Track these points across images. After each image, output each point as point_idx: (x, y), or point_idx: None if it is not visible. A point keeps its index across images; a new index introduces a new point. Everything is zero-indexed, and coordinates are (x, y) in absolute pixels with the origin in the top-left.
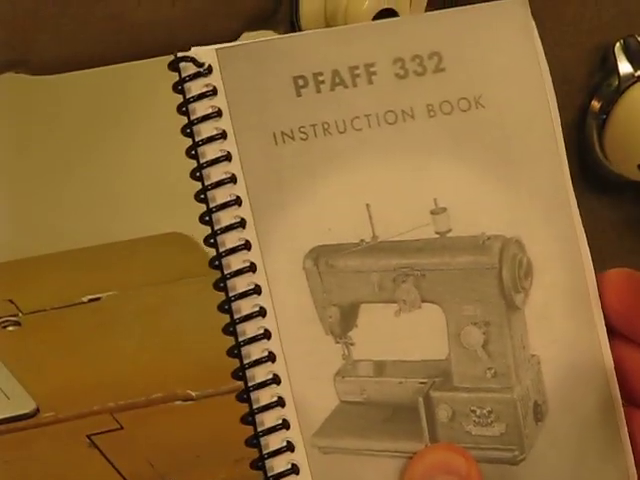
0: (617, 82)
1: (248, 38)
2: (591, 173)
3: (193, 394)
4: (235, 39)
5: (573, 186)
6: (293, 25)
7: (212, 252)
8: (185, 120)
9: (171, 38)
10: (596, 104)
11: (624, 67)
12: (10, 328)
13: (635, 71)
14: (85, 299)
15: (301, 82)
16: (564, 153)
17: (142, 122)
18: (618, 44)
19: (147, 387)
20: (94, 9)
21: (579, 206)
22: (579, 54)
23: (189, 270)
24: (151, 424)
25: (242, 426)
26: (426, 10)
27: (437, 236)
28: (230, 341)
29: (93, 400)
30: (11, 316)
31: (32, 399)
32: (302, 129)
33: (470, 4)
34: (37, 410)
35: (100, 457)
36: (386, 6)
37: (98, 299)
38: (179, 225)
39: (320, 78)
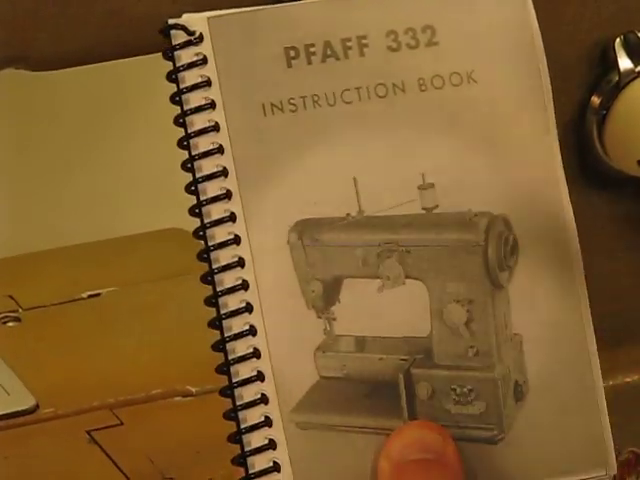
0: (617, 78)
1: None
2: (591, 169)
3: (193, 390)
4: None
5: (573, 182)
6: None
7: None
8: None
9: None
10: (596, 100)
11: (624, 63)
12: (10, 324)
13: (635, 67)
14: (85, 295)
15: (292, 53)
16: (555, 131)
17: (141, 118)
18: (618, 40)
19: (147, 383)
20: (94, 5)
21: (578, 202)
22: (579, 50)
23: (189, 266)
24: (151, 420)
25: None
26: None
27: (424, 212)
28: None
29: (93, 396)
30: (11, 312)
31: (32, 395)
32: (291, 100)
33: None
34: (37, 406)
35: (100, 453)
36: None
37: (98, 295)
38: (179, 221)
39: (311, 49)
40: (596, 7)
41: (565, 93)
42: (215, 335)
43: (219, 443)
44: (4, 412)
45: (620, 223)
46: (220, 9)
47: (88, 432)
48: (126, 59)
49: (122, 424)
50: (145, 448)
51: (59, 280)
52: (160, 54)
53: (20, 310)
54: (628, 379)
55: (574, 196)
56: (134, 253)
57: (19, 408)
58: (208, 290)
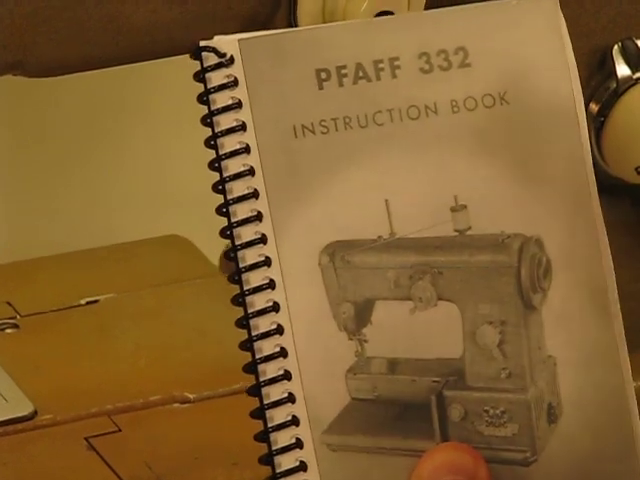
0: (615, 85)
1: None
2: None
3: (191, 396)
4: None
5: None
6: (291, 27)
7: (215, 254)
8: (202, 112)
9: (169, 41)
10: (594, 107)
11: (622, 70)
12: (8, 330)
13: (633, 74)
14: (83, 302)
15: (324, 75)
16: (589, 152)
17: (140, 124)
18: (616, 47)
19: (145, 389)
20: (91, 12)
21: None
22: (577, 57)
23: (187, 273)
24: (149, 426)
25: (240, 428)
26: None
27: (456, 234)
28: (235, 340)
29: (91, 402)
30: (9, 318)
31: (30, 401)
32: (323, 123)
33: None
34: (35, 412)
35: (98, 459)
36: (384, 8)
37: (96, 302)
38: (177, 228)
39: (343, 71)
40: (594, 14)
41: None
42: (218, 345)
43: (217, 449)
44: (2, 419)
45: (618, 230)
46: (215, 12)
47: (86, 438)
48: (124, 66)
49: (120, 430)
50: (143, 454)
51: (57, 287)
52: (158, 61)
53: (18, 317)
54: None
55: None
56: (132, 260)
57: (17, 415)
58: (207, 297)
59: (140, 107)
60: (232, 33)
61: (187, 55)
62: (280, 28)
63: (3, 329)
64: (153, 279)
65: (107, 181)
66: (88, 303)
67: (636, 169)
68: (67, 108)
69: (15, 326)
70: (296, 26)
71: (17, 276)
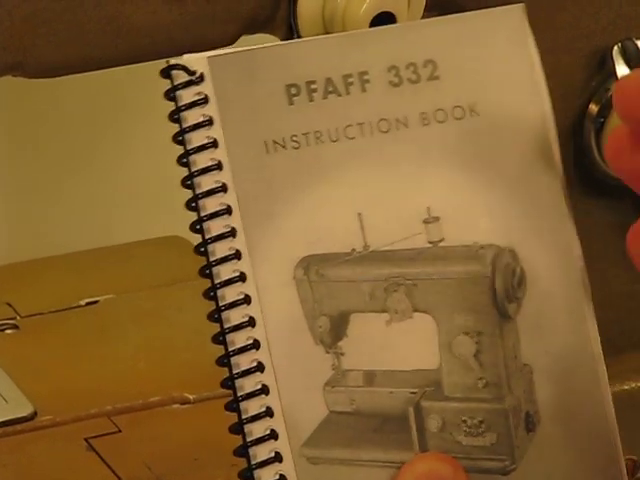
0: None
1: (246, 41)
2: (589, 176)
3: (190, 397)
4: (233, 43)
5: (571, 190)
6: (291, 28)
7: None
8: (177, 128)
9: (168, 42)
10: (594, 108)
11: (622, 70)
12: (8, 331)
13: None
14: (83, 302)
15: (293, 90)
16: (560, 162)
17: (139, 126)
18: (616, 47)
19: (144, 390)
20: (91, 13)
21: (577, 209)
22: (576, 58)
23: (187, 273)
24: (149, 427)
25: None
26: (424, 12)
27: (430, 245)
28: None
29: (91, 403)
30: (9, 319)
31: (30, 402)
32: (294, 138)
33: (468, 7)
34: (35, 413)
35: (98, 460)
36: (384, 9)
37: (96, 302)
38: (177, 229)
39: (313, 86)
40: (594, 14)
41: (563, 101)
42: (216, 347)
43: (217, 450)
44: (2, 420)
45: (618, 230)
46: (215, 13)
47: (86, 439)
48: (123, 67)
49: (120, 431)
50: (143, 455)
51: (57, 288)
52: (158, 62)
53: (18, 317)
54: (626, 386)
55: (571, 203)
56: (132, 261)
57: (17, 415)
58: (207, 299)
59: (140, 108)
60: (231, 35)
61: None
62: (280, 30)
63: (3, 330)
64: (153, 280)
65: (107, 182)
66: (88, 304)
67: None
68: (67, 109)
69: (15, 327)
70: (296, 28)
71: (17, 277)
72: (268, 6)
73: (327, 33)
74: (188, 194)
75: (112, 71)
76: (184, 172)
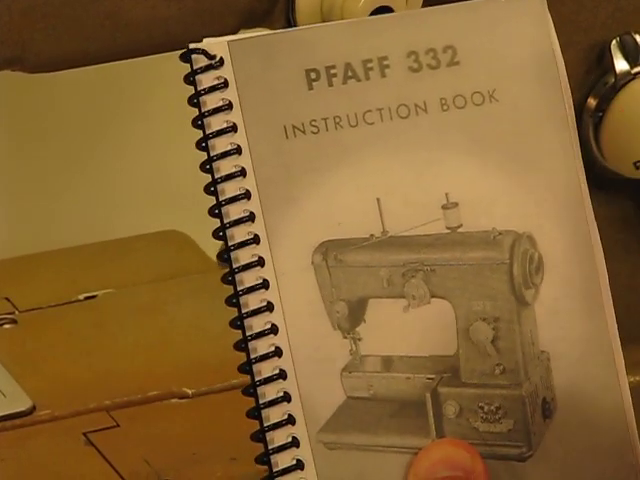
0: (613, 80)
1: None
2: (587, 170)
3: (189, 392)
4: None
5: None
6: (289, 22)
7: (213, 250)
8: (196, 112)
9: (166, 36)
10: (592, 102)
11: (620, 64)
12: (6, 326)
13: (631, 68)
14: (81, 297)
15: (313, 75)
16: (578, 148)
17: (139, 120)
18: (614, 42)
19: (143, 385)
20: (89, 7)
21: None
22: (575, 52)
23: (186, 268)
24: (147, 422)
25: (238, 423)
26: (422, 7)
27: (448, 231)
28: (233, 336)
29: (89, 398)
30: (7, 314)
31: (28, 397)
32: (313, 122)
33: None
34: (33, 408)
35: (97, 455)
36: (382, 3)
37: (94, 297)
38: (176, 223)
39: (332, 71)
40: (592, 9)
41: None
42: (216, 341)
43: (216, 444)
44: (0, 414)
45: (617, 224)
46: (213, 7)
47: (85, 434)
48: (122, 61)
49: (118, 426)
50: (142, 450)
51: (55, 282)
52: (156, 56)
53: (16, 312)
54: (629, 380)
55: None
56: (130, 255)
57: (15, 410)
58: (205, 293)
59: (138, 102)
60: (230, 29)
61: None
62: (278, 23)
63: (1, 324)
64: (151, 274)
65: (105, 176)
66: (86, 298)
67: (634, 164)
68: (65, 103)
69: (13, 321)
70: (294, 21)
71: (15, 272)
72: (266, 0)
73: None
74: (187, 188)
75: (112, 66)
76: (183, 166)
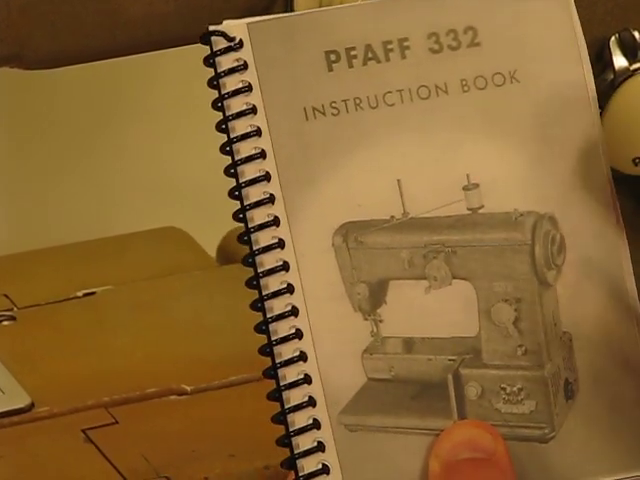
0: (612, 76)
1: None
2: None
3: (188, 389)
4: None
5: None
6: None
7: (211, 246)
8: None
9: (165, 33)
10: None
11: (619, 61)
12: (5, 323)
13: (630, 65)
14: (80, 294)
15: (333, 57)
16: (600, 129)
17: (137, 117)
18: (613, 38)
19: (142, 382)
20: (88, 4)
21: None
22: None
23: (184, 265)
24: (146, 418)
25: (237, 420)
26: None
27: (469, 212)
28: (232, 333)
29: (88, 395)
30: (6, 311)
31: (27, 394)
32: (333, 104)
33: None
34: (32, 405)
35: (95, 452)
36: None
37: (93, 294)
38: (174, 220)
39: (352, 53)
40: (591, 5)
41: None
42: (215, 337)
43: (214, 441)
44: None
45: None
46: (212, 4)
47: (83, 431)
48: (121, 58)
49: (117, 423)
50: (140, 447)
51: (54, 279)
52: (155, 53)
53: (15, 309)
54: None
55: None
56: (129, 252)
57: (14, 407)
58: (204, 290)
59: (137, 99)
60: None
61: (184, 47)
62: None
63: (0, 321)
64: (150, 271)
65: (104, 173)
66: (85, 295)
67: (633, 160)
68: (64, 100)
69: (12, 318)
70: None
71: (14, 268)
72: None
73: None
74: (185, 186)
75: (110, 63)
76: (182, 165)
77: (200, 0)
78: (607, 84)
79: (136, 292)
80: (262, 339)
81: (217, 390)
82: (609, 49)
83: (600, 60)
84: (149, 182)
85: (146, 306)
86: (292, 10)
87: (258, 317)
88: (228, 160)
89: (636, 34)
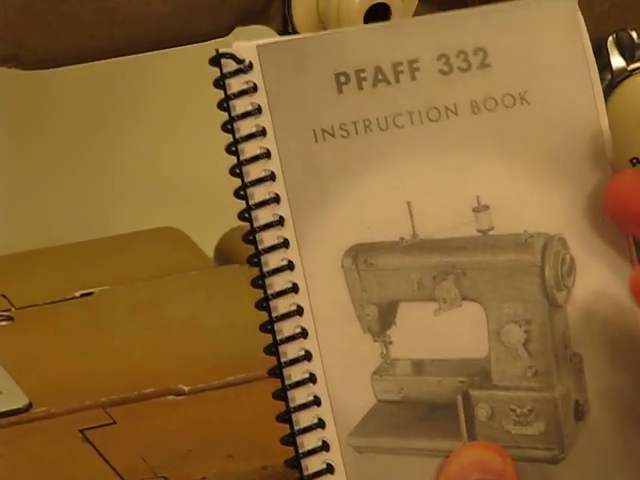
0: (610, 76)
1: (241, 33)
2: None
3: (185, 389)
4: (227, 34)
5: None
6: (285, 19)
7: (209, 246)
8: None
9: (163, 33)
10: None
11: (616, 61)
12: (3, 323)
13: (627, 65)
14: (78, 294)
15: (343, 79)
16: (611, 150)
17: (135, 117)
18: (610, 38)
19: (139, 382)
20: (86, 4)
21: None
22: None
23: (182, 265)
24: (144, 419)
25: (234, 420)
26: (419, 4)
27: (479, 234)
28: (230, 333)
29: (86, 395)
30: (4, 311)
31: (24, 394)
32: (343, 126)
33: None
34: (29, 405)
35: (93, 452)
36: (378, 0)
37: (91, 294)
38: (172, 220)
39: (362, 75)
40: (588, 5)
41: None
42: (212, 338)
43: (212, 442)
44: None
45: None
46: (210, 5)
47: (81, 431)
48: (121, 58)
49: (115, 423)
50: (138, 447)
51: (52, 279)
52: (153, 54)
53: (13, 309)
54: None
55: None
56: (127, 252)
57: (12, 407)
58: (201, 290)
59: (135, 100)
60: (226, 26)
61: (182, 47)
62: (274, 21)
63: None
64: (147, 271)
65: (102, 173)
66: (83, 295)
67: (631, 160)
68: (62, 100)
69: (10, 318)
70: (290, 18)
71: (12, 268)
72: None
73: (321, 24)
74: (183, 186)
75: (111, 63)
76: (179, 166)
77: (198, 0)
78: (605, 84)
79: (134, 292)
80: (262, 340)
81: (215, 390)
82: (606, 49)
83: (597, 60)
84: (147, 182)
85: (144, 306)
86: (290, 11)
87: (257, 317)
88: (229, 160)
89: (633, 34)
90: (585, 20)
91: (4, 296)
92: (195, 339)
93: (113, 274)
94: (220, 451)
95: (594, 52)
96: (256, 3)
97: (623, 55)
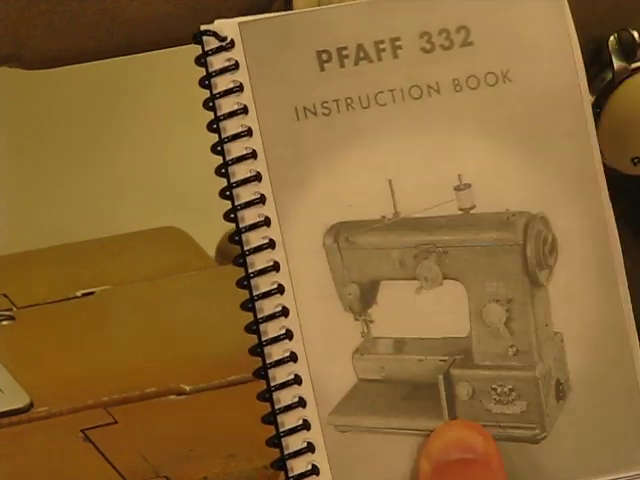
0: (611, 76)
1: None
2: None
3: (187, 388)
4: None
5: None
6: None
7: (211, 246)
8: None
9: (164, 33)
10: (590, 98)
11: (618, 61)
12: (4, 322)
13: (629, 65)
14: (79, 294)
15: (325, 56)
16: (593, 129)
17: (136, 117)
18: (612, 38)
19: (141, 381)
20: (87, 4)
21: None
22: None
23: (183, 265)
24: (145, 418)
25: (236, 420)
26: None
27: (460, 213)
28: (231, 332)
29: (87, 394)
30: (5, 310)
31: (26, 394)
32: (325, 104)
33: None
34: (31, 405)
35: (94, 451)
36: None
37: (92, 293)
38: (173, 219)
39: (344, 52)
40: (590, 5)
41: None
42: (214, 337)
43: (213, 441)
44: None
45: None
46: (210, 4)
47: (82, 430)
48: (119, 57)
49: (116, 422)
50: (139, 446)
51: (53, 278)
52: (154, 53)
53: (14, 309)
54: None
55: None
56: (128, 252)
57: (13, 407)
58: (203, 290)
59: (136, 99)
60: None
61: (183, 47)
62: None
63: None
64: (149, 271)
65: (103, 173)
66: (84, 295)
67: (632, 160)
68: (63, 100)
69: (11, 318)
70: None
71: (13, 268)
72: None
73: None
74: (184, 185)
75: (111, 63)
76: (181, 165)
77: (199, 0)
78: (606, 84)
79: (135, 292)
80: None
81: (216, 390)
82: (608, 49)
83: (599, 60)
84: (148, 182)
85: (145, 306)
86: (291, 7)
87: None
88: None
89: (635, 34)
90: (587, 20)
91: (5, 296)
92: (197, 339)
93: (114, 274)
94: (221, 451)
95: (595, 52)
96: (257, 2)
97: (624, 55)
